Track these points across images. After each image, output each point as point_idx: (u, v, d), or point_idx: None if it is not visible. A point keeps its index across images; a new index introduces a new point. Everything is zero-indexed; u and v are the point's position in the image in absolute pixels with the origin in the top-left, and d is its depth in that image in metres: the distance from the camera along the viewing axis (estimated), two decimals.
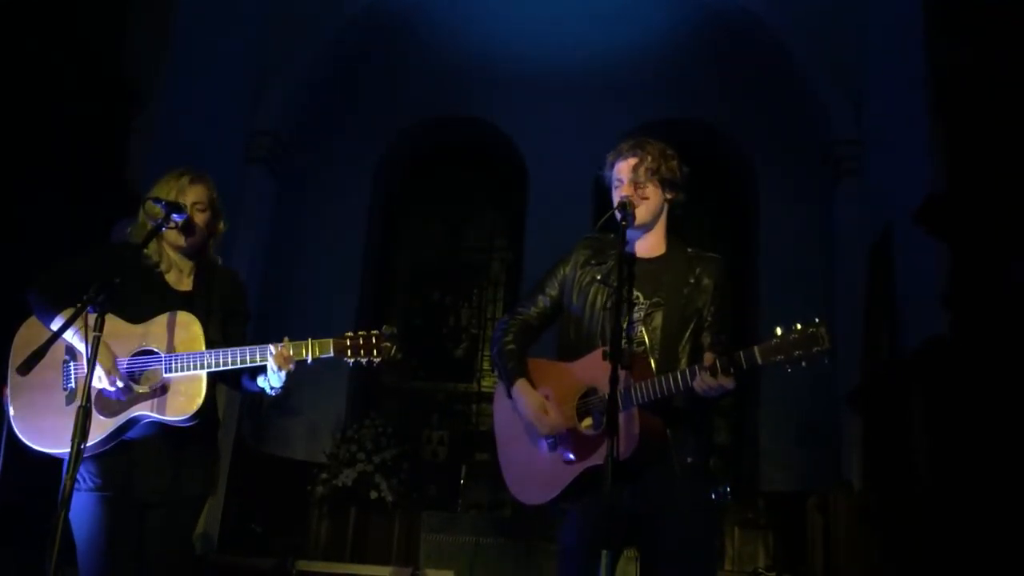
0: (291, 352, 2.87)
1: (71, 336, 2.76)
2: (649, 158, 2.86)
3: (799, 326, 2.44)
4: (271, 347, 2.86)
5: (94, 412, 2.71)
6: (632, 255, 2.85)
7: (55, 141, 5.11)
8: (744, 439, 8.21)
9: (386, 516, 7.49)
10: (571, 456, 2.75)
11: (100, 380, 2.74)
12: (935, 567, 4.94)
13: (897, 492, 5.70)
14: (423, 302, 9.18)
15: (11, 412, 2.79)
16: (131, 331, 2.87)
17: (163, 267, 3.02)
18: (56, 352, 2.77)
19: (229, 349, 2.86)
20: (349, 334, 2.93)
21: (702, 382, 2.52)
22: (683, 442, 2.72)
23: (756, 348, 2.48)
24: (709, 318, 2.82)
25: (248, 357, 2.85)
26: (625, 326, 2.75)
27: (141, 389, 2.82)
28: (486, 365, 8.84)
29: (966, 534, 4.63)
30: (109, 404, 2.79)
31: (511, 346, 2.94)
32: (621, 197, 2.82)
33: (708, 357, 2.53)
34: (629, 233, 2.83)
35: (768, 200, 8.41)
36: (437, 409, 8.46)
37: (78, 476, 2.65)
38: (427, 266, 9.31)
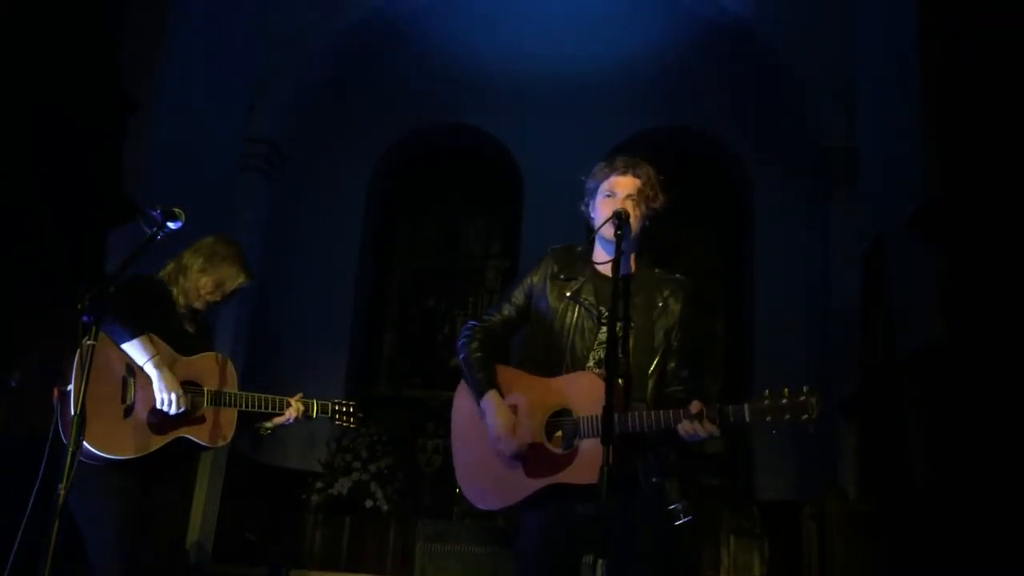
0: (302, 408, 3.47)
1: (141, 359, 3.10)
2: (644, 183, 2.87)
3: (790, 393, 2.52)
4: (289, 400, 3.45)
5: (145, 427, 3.09)
6: (598, 272, 2.88)
7: (50, 148, 5.10)
8: (739, 448, 8.21)
9: (381, 525, 7.48)
10: (533, 470, 2.75)
11: (166, 403, 3.08)
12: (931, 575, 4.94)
13: (893, 500, 5.70)
14: (418, 310, 9.17)
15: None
16: (179, 361, 3.22)
17: (181, 307, 3.37)
18: (116, 367, 3.11)
19: (260, 396, 3.39)
20: (337, 401, 3.64)
21: (689, 427, 2.56)
22: (648, 464, 2.73)
23: (746, 406, 2.54)
24: (675, 343, 2.84)
25: (272, 406, 3.40)
26: (596, 346, 2.78)
27: (192, 415, 3.19)
28: None
29: (963, 542, 4.62)
30: (160, 423, 3.12)
31: (478, 354, 2.92)
32: (616, 209, 2.80)
33: (695, 405, 2.55)
34: (603, 250, 2.86)
35: (763, 207, 8.44)
36: (432, 417, 8.43)
37: (90, 480, 2.95)
38: (422, 274, 9.30)
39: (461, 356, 2.96)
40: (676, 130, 8.55)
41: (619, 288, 2.69)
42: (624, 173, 2.88)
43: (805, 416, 2.48)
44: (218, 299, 3.41)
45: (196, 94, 6.77)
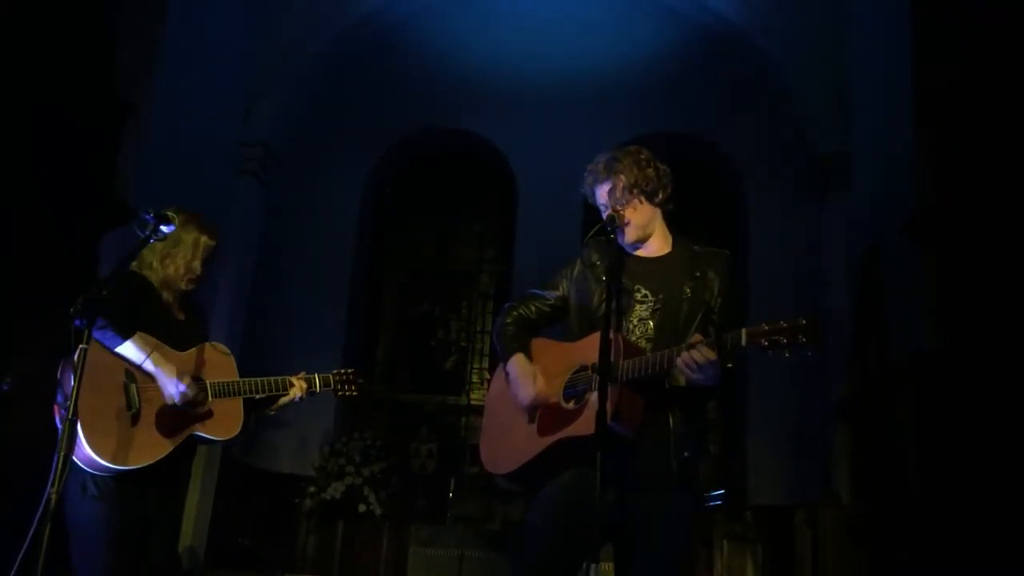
0: (305, 385, 3.40)
1: (138, 358, 3.03)
2: (623, 177, 2.86)
3: (787, 319, 2.45)
4: (291, 380, 3.37)
5: (156, 431, 3.01)
6: (621, 252, 2.88)
7: (45, 152, 5.10)
8: (733, 452, 8.21)
9: (374, 529, 7.46)
10: (544, 429, 2.78)
11: (177, 397, 3.02)
12: None
13: (886, 504, 5.71)
14: (413, 314, 9.16)
15: (82, 436, 2.88)
16: (176, 357, 3.13)
17: (167, 297, 3.25)
18: (116, 376, 3.02)
19: (262, 379, 3.29)
20: (336, 372, 3.54)
21: (687, 356, 2.52)
22: (681, 438, 2.71)
23: (743, 330, 2.49)
24: (716, 310, 2.81)
25: (275, 387, 3.32)
26: (636, 321, 2.79)
27: (200, 411, 3.13)
28: (475, 377, 8.83)
29: (957, 546, 4.63)
30: (169, 424, 3.05)
31: (510, 328, 2.99)
32: (608, 215, 2.85)
33: (696, 337, 2.56)
34: (622, 239, 2.88)
35: (757, 213, 8.45)
36: (426, 422, 8.43)
37: (88, 484, 2.91)
38: (417, 278, 9.29)
39: (495, 332, 3.04)
40: (671, 135, 8.56)
41: (614, 291, 2.71)
42: (603, 182, 2.90)
43: (803, 338, 2.40)
44: (198, 273, 3.28)
45: (192, 98, 6.77)
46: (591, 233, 2.93)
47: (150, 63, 6.18)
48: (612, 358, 2.55)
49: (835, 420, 6.95)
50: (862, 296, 6.74)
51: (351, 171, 8.78)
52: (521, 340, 2.96)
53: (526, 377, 2.84)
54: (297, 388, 3.36)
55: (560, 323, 3.06)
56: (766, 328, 2.45)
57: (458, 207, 9.38)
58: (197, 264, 3.26)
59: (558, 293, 3.02)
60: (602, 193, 2.90)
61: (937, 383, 5.07)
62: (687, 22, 8.26)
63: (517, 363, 2.89)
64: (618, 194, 2.85)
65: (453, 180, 9.37)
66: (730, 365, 2.59)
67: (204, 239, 3.26)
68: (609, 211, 2.86)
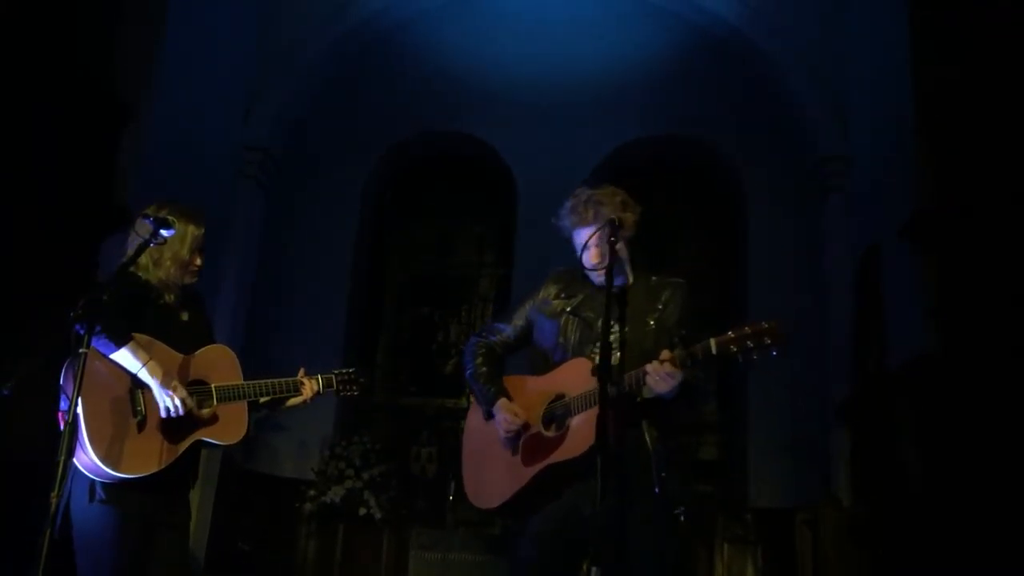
0: (312, 386, 3.33)
1: (133, 367, 2.93)
2: (610, 220, 2.87)
3: (753, 323, 2.57)
4: (300, 380, 3.31)
5: (160, 437, 2.94)
6: (598, 288, 2.95)
7: (43, 155, 5.09)
8: (733, 454, 8.21)
9: (375, 533, 7.44)
10: (529, 459, 2.85)
11: (170, 409, 2.94)
12: None
13: (886, 507, 5.71)
14: (412, 317, 9.15)
15: (88, 443, 2.84)
16: (180, 362, 3.08)
17: (168, 298, 3.18)
18: (122, 381, 2.96)
19: (266, 381, 3.22)
20: (338, 372, 3.47)
21: (652, 372, 2.62)
22: (659, 458, 2.78)
23: (712, 340, 2.60)
24: (677, 338, 2.89)
25: (280, 389, 3.25)
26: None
27: (204, 416, 3.06)
28: None
29: (957, 548, 4.63)
30: (174, 430, 2.98)
31: (483, 369, 3.08)
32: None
33: (665, 353, 2.64)
34: (595, 275, 2.94)
35: (757, 213, 8.44)
36: (426, 425, 8.43)
37: (97, 488, 2.86)
38: (416, 281, 9.28)
39: (468, 372, 3.13)
40: (670, 139, 8.57)
41: (612, 293, 2.73)
42: (585, 224, 2.92)
43: (768, 340, 2.51)
44: (198, 264, 3.20)
45: (192, 98, 6.76)
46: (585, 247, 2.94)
47: (150, 63, 6.17)
48: (589, 380, 2.63)
49: (835, 422, 6.94)
50: (861, 298, 6.74)
51: (351, 173, 8.78)
52: (498, 383, 3.03)
53: (508, 411, 2.91)
54: (308, 389, 3.30)
55: (522, 352, 3.17)
56: (732, 335, 2.57)
57: (458, 210, 9.37)
58: (189, 256, 3.17)
59: (521, 324, 3.12)
60: (586, 235, 2.91)
61: (936, 385, 5.07)
62: (687, 24, 8.25)
63: (503, 407, 2.95)
64: (604, 236, 2.87)
65: (453, 182, 9.37)
66: (700, 378, 2.74)
67: (191, 229, 3.16)
68: (593, 260, 2.91)
